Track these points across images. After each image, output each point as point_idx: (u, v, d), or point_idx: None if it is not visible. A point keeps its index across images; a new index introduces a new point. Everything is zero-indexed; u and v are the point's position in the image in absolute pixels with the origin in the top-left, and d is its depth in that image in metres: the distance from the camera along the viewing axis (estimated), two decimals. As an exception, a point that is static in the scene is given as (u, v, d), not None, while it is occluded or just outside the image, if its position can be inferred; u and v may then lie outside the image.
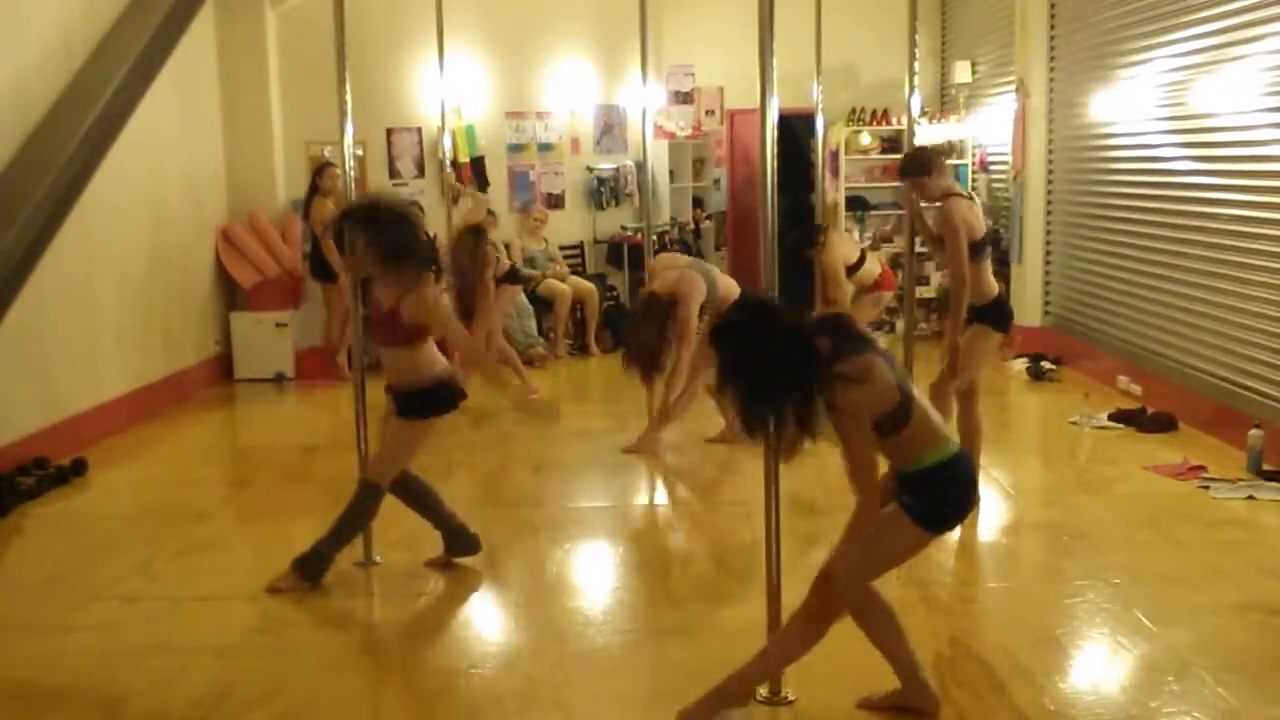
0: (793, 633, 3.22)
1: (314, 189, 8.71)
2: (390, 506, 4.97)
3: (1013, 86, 9.14)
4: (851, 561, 3.13)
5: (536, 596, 4.51)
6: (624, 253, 10.77)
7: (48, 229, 6.19)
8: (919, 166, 5.26)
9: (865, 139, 10.78)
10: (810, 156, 10.39)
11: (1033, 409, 7.71)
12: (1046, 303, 9.10)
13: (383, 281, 4.43)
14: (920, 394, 3.16)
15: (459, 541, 4.76)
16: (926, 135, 9.83)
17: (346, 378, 8.21)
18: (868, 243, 9.67)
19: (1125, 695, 3.50)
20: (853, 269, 7.83)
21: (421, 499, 4.75)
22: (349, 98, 4.69)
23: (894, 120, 10.62)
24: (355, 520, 4.58)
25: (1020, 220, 9.09)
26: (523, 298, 9.25)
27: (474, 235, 7.66)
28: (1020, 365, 8.46)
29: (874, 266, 7.99)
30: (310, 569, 4.52)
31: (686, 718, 3.29)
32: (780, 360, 2.93)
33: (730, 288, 6.55)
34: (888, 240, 10.26)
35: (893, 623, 3.31)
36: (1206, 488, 5.51)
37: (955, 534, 5.04)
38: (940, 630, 3.94)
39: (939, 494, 3.10)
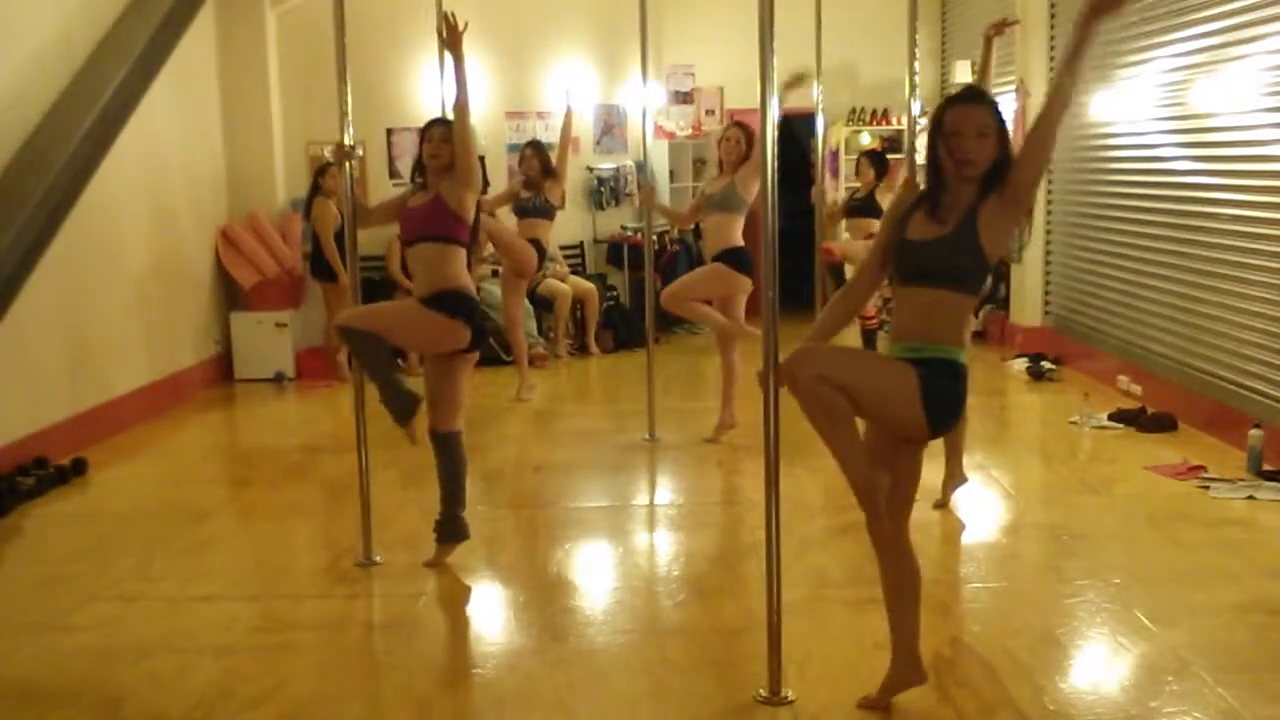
0: (827, 437, 3.15)
1: (316, 189, 8.70)
2: (391, 507, 4.99)
3: (1013, 86, 9.14)
4: (817, 347, 3.24)
5: (536, 596, 4.50)
6: (624, 253, 10.78)
7: (48, 229, 6.19)
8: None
9: (865, 139, 10.79)
10: (810, 156, 10.39)
11: (1033, 409, 7.70)
12: (1046, 303, 9.09)
13: (435, 181, 4.75)
14: None
15: (450, 527, 4.71)
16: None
17: (347, 378, 8.20)
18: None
19: (1125, 695, 3.50)
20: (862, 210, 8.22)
21: (453, 464, 4.66)
22: (349, 98, 4.70)
23: (894, 120, 10.64)
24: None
25: (1020, 220, 9.08)
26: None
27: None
28: (1020, 365, 8.46)
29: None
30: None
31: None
32: None
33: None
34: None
35: (911, 588, 3.35)
36: (1206, 488, 5.51)
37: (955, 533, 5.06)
38: (940, 630, 3.94)
39: (955, 390, 3.19)
